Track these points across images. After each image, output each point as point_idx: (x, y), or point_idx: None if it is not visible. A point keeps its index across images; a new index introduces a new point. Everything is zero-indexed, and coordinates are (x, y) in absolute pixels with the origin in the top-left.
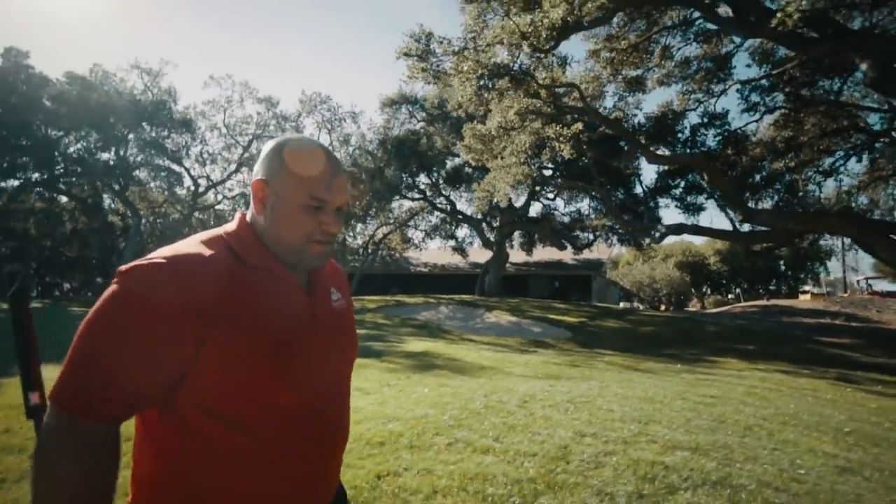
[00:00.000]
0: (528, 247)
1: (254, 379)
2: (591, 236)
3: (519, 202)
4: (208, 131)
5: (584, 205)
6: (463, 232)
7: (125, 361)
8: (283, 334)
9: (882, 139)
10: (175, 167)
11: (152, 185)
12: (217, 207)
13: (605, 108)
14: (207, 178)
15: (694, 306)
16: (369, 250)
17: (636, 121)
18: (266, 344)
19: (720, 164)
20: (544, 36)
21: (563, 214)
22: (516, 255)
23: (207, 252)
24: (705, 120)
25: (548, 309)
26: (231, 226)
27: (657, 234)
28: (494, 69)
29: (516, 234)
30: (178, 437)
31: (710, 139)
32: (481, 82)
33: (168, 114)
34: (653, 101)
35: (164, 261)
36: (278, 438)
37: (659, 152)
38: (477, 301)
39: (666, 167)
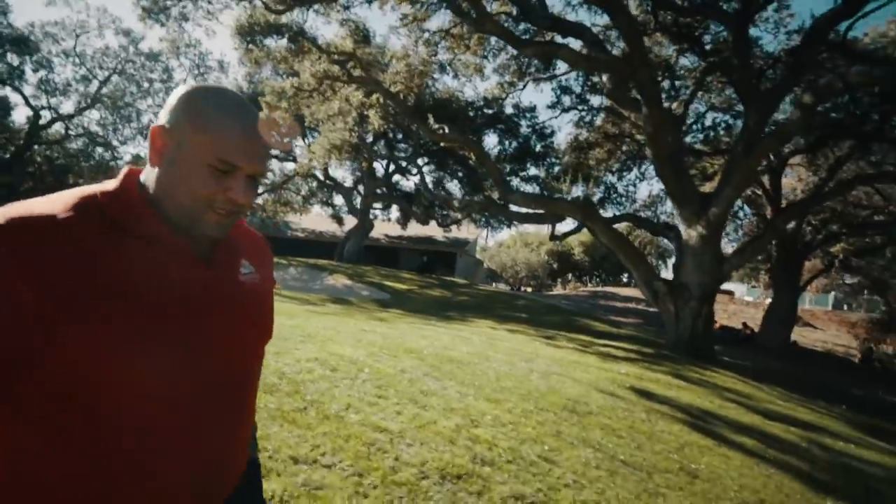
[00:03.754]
0: (403, 221)
1: (117, 364)
2: (458, 215)
3: (380, 172)
4: (57, 57)
5: (454, 184)
6: (341, 199)
7: None
8: (156, 312)
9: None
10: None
11: None
12: (71, 146)
13: (436, 88)
14: (54, 109)
15: (556, 290)
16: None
17: (482, 107)
18: (133, 324)
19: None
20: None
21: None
22: (392, 229)
23: (63, 215)
24: (515, 111)
25: (391, 278)
26: (111, 183)
27: (459, 214)
28: (266, 26)
29: (394, 207)
30: (24, 431)
31: (524, 128)
32: (248, 39)
33: None
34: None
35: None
36: (146, 431)
37: (443, 131)
38: (327, 266)
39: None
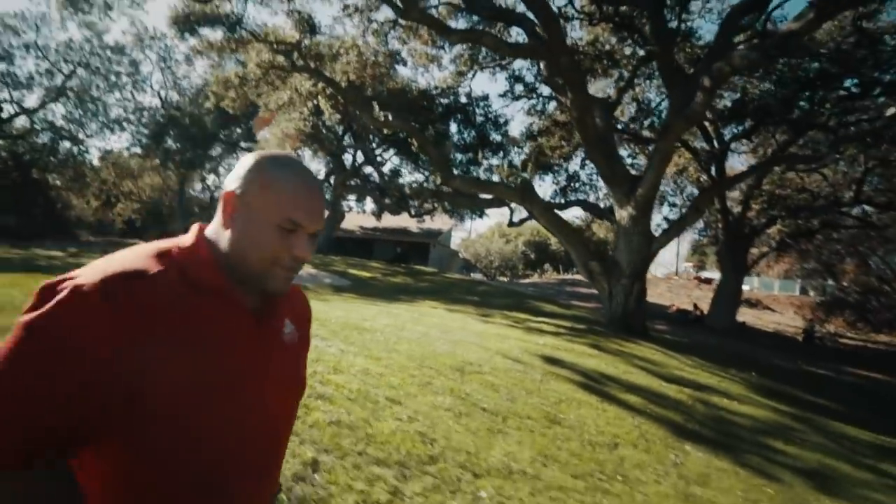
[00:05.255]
0: (377, 213)
1: (171, 420)
2: (432, 206)
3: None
4: (18, 50)
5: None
6: None
7: (20, 405)
8: (214, 369)
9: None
10: None
11: None
12: (36, 140)
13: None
14: (17, 103)
15: (532, 279)
16: (215, 204)
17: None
18: (192, 378)
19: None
20: None
21: (407, 183)
22: (367, 220)
23: (148, 269)
24: (468, 100)
25: (358, 267)
26: (186, 239)
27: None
28: (202, 17)
29: (369, 199)
30: (93, 481)
31: (479, 117)
32: (183, 29)
33: None
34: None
35: (91, 287)
36: (188, 485)
37: (388, 120)
38: None
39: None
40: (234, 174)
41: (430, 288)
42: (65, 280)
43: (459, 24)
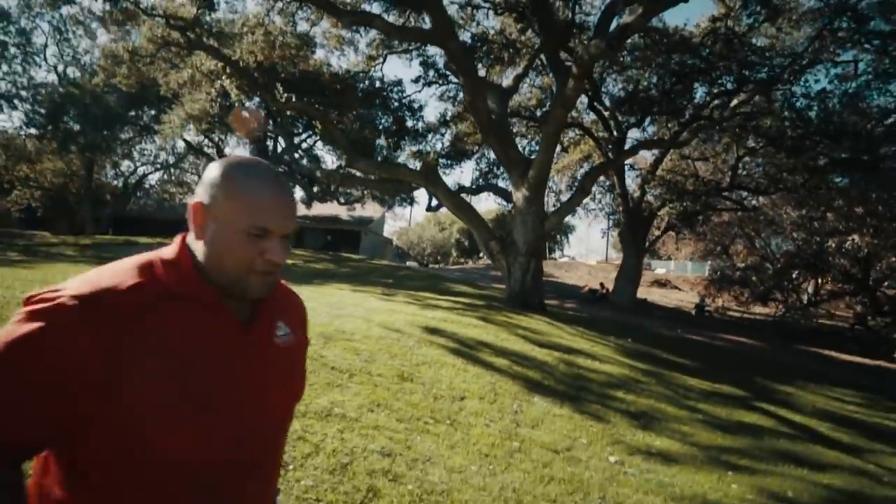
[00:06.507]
0: (307, 201)
1: (159, 429)
2: (361, 193)
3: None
4: None
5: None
6: None
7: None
8: (199, 378)
9: None
10: None
11: None
12: None
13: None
14: None
15: (466, 265)
16: (129, 191)
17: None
18: (177, 389)
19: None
20: None
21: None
22: (297, 209)
23: (130, 282)
24: (382, 85)
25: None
26: (169, 250)
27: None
28: None
29: (297, 187)
30: (67, 487)
31: (394, 102)
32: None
33: None
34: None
35: (75, 301)
36: (171, 491)
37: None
38: None
39: None
40: (200, 184)
41: (350, 273)
42: (49, 292)
43: (374, 7)
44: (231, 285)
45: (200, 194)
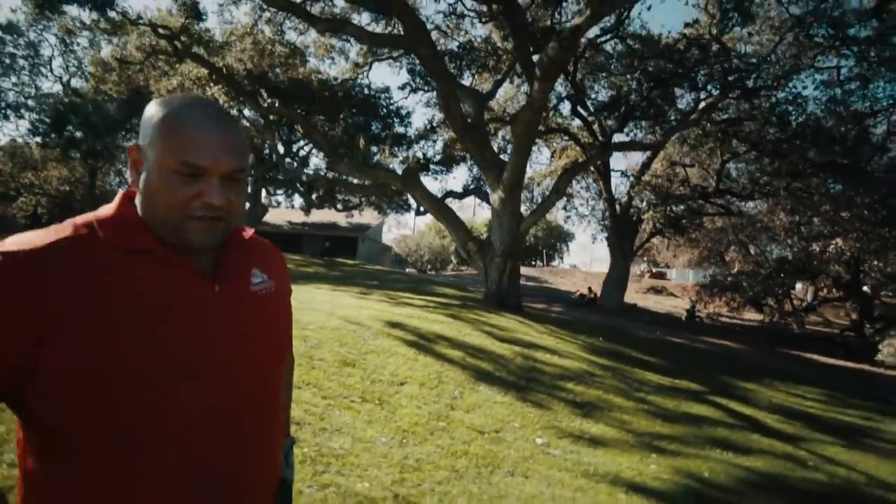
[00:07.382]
0: (306, 208)
1: (113, 379)
2: (359, 200)
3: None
4: None
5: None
6: None
7: None
8: (159, 331)
9: None
10: None
11: None
12: None
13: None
14: None
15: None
16: None
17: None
18: (127, 339)
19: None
20: None
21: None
22: (296, 216)
23: (54, 237)
24: (370, 92)
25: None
26: (108, 206)
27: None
28: None
29: (296, 195)
30: (37, 451)
31: (383, 109)
32: (41, 5)
33: None
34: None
35: (10, 257)
36: (148, 452)
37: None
38: None
39: None
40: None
41: (338, 276)
42: None
43: (363, 18)
44: (170, 234)
45: (138, 135)
